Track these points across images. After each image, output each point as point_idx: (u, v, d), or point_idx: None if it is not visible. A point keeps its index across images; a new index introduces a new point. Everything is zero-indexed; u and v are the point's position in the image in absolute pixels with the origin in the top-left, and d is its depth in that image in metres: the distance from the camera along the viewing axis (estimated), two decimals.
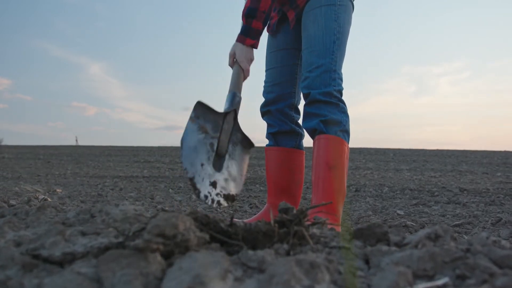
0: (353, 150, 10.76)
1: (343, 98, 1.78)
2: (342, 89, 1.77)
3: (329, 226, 1.04)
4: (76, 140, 15.93)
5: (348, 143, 1.76)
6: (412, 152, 10.44)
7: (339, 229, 1.50)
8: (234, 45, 1.77)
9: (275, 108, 1.96)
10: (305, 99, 1.80)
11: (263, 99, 2.02)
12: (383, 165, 7.12)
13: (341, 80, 1.78)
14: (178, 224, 0.60)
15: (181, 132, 1.36)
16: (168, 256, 0.59)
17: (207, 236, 0.64)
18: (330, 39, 1.75)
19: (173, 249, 0.59)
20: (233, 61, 1.78)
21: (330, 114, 1.71)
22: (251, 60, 1.76)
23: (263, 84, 2.06)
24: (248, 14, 1.70)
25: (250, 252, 0.61)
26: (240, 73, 1.71)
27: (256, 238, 0.69)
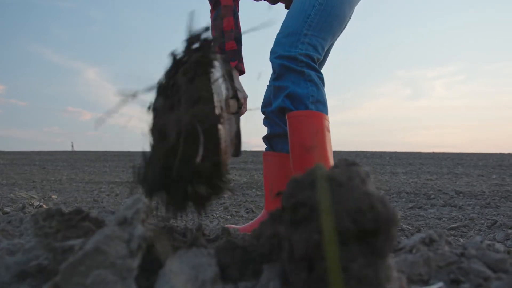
0: (349, 154, 10.78)
1: (315, 65, 1.57)
2: (314, 55, 1.56)
3: None
4: (72, 146, 15.85)
5: (326, 114, 1.57)
6: (408, 155, 10.47)
7: None
8: None
9: (270, 110, 1.82)
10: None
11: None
12: (379, 168, 7.14)
13: (314, 47, 1.56)
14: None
15: None
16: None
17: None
18: (310, 2, 1.58)
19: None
20: None
21: (293, 86, 1.53)
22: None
23: None
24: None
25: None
26: None
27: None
